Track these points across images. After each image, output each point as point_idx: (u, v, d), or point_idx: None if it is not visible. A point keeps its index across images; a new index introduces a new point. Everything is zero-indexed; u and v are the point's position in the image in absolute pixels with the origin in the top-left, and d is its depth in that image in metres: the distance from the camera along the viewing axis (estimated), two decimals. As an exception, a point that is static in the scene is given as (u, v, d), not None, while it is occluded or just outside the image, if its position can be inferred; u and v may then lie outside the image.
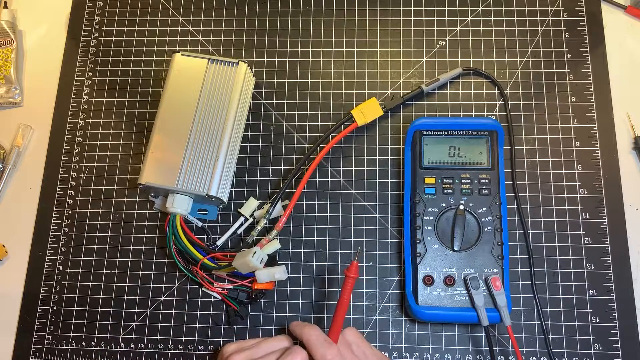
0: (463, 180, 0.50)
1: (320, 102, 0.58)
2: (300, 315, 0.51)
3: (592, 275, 0.51)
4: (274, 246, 0.51)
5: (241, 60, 0.54)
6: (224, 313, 0.52)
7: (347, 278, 0.45)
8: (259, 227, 0.51)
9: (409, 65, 0.58)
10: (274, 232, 0.51)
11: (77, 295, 0.53)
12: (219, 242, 0.53)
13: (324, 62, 0.59)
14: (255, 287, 0.50)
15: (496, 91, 0.57)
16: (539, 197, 0.53)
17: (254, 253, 0.47)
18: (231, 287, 0.51)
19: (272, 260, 0.52)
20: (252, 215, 0.54)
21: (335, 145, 0.56)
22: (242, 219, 0.54)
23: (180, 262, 0.51)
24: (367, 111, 0.55)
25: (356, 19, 0.60)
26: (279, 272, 0.49)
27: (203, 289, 0.52)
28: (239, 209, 0.54)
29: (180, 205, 0.51)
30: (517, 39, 0.58)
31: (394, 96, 0.57)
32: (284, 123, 0.57)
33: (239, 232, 0.54)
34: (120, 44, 0.61)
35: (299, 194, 0.53)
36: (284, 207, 0.53)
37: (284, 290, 0.52)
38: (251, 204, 0.54)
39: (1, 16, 0.62)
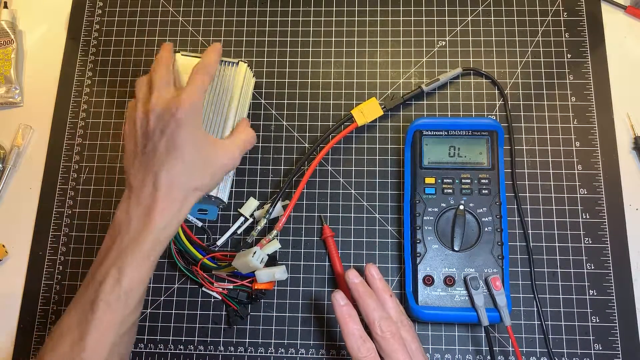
0: (463, 180, 0.50)
1: (320, 102, 0.58)
2: (300, 315, 0.51)
3: (592, 275, 0.51)
4: (274, 246, 0.51)
5: (241, 60, 0.54)
6: (223, 313, 0.52)
7: (327, 239, 0.52)
8: (259, 227, 0.51)
9: (409, 65, 0.58)
10: (274, 232, 0.51)
11: (77, 295, 0.53)
12: (219, 242, 0.53)
13: (324, 62, 0.59)
14: (255, 287, 0.50)
15: (496, 91, 0.57)
16: (539, 197, 0.53)
17: (254, 253, 0.47)
18: (231, 287, 0.51)
19: (272, 260, 0.51)
20: (252, 215, 0.54)
21: (335, 145, 0.56)
22: (242, 219, 0.54)
23: (180, 262, 0.51)
24: (367, 111, 0.55)
25: (356, 19, 0.60)
26: (279, 272, 0.49)
27: (203, 288, 0.52)
28: (239, 209, 0.54)
29: None
30: (517, 39, 0.58)
31: (394, 96, 0.57)
32: (284, 123, 0.57)
33: (239, 232, 0.54)
34: (120, 44, 0.61)
35: (299, 194, 0.53)
36: (284, 207, 0.53)
37: (284, 290, 0.52)
38: (251, 204, 0.54)
39: (1, 16, 0.62)
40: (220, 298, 0.52)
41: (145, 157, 0.43)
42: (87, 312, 0.40)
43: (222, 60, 0.54)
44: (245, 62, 0.54)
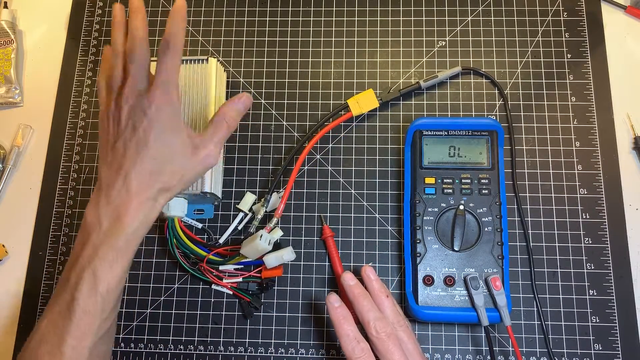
0: (463, 180, 0.50)
1: (320, 102, 0.58)
2: (300, 315, 0.51)
3: (592, 275, 0.51)
4: (277, 233, 0.51)
5: (210, 57, 0.54)
6: (224, 313, 0.52)
7: (328, 240, 0.52)
8: (259, 216, 0.52)
9: (409, 65, 0.58)
10: (274, 219, 0.51)
11: (77, 295, 0.53)
12: (221, 240, 0.53)
13: (324, 62, 0.59)
14: (265, 276, 0.50)
15: (496, 91, 0.57)
16: (539, 197, 0.53)
17: (261, 236, 0.48)
18: (240, 279, 0.51)
19: (276, 248, 0.51)
20: (250, 209, 0.54)
21: (335, 145, 0.56)
22: (241, 214, 0.54)
23: (186, 265, 0.51)
24: (363, 102, 0.55)
25: (356, 19, 0.60)
26: (287, 253, 0.50)
27: (213, 285, 0.52)
28: (237, 205, 0.54)
29: (176, 209, 0.51)
30: (517, 39, 0.58)
31: (391, 89, 0.57)
32: (284, 123, 0.57)
33: (239, 227, 0.54)
34: (120, 44, 0.61)
35: (295, 177, 0.53)
36: (281, 198, 0.53)
37: (284, 290, 0.52)
38: (248, 199, 0.54)
39: (1, 16, 0.62)
40: (232, 292, 0.52)
41: (116, 154, 0.40)
42: (64, 318, 0.38)
43: (190, 59, 0.53)
44: (214, 57, 0.54)
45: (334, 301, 0.43)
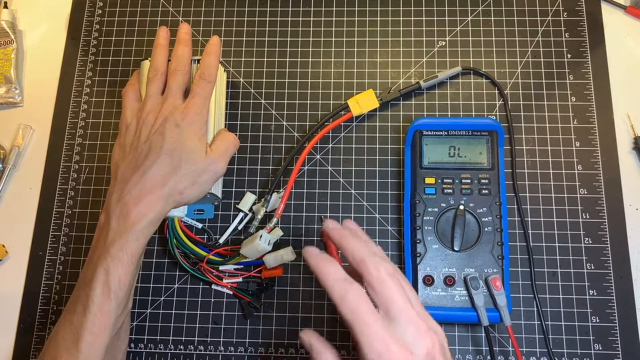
0: (463, 180, 0.50)
1: (320, 102, 0.58)
2: (300, 315, 0.51)
3: (592, 275, 0.51)
4: (277, 234, 0.51)
5: None
6: (224, 313, 0.52)
7: (328, 242, 0.46)
8: (259, 217, 0.52)
9: (409, 65, 0.58)
10: (274, 219, 0.51)
11: (77, 295, 0.53)
12: (221, 240, 0.53)
13: (324, 62, 0.59)
14: (265, 276, 0.50)
15: (496, 91, 0.57)
16: (539, 197, 0.53)
17: (261, 236, 0.48)
18: (240, 279, 0.51)
19: (275, 248, 0.51)
20: (250, 209, 0.54)
21: (335, 145, 0.56)
22: (241, 214, 0.54)
23: (186, 265, 0.51)
24: (363, 102, 0.55)
25: (356, 19, 0.60)
26: (287, 253, 0.50)
27: (213, 286, 0.52)
28: (237, 206, 0.54)
29: (176, 209, 0.51)
30: (517, 39, 0.58)
31: (391, 89, 0.57)
32: (284, 123, 0.57)
33: (239, 227, 0.54)
34: (120, 44, 0.61)
35: (294, 178, 0.52)
36: (281, 198, 0.53)
37: (284, 290, 0.52)
38: (248, 199, 0.54)
39: (1, 16, 0.62)
40: (232, 292, 0.52)
41: (138, 155, 0.44)
42: (80, 315, 0.40)
43: (191, 60, 0.51)
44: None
45: (312, 250, 0.36)
